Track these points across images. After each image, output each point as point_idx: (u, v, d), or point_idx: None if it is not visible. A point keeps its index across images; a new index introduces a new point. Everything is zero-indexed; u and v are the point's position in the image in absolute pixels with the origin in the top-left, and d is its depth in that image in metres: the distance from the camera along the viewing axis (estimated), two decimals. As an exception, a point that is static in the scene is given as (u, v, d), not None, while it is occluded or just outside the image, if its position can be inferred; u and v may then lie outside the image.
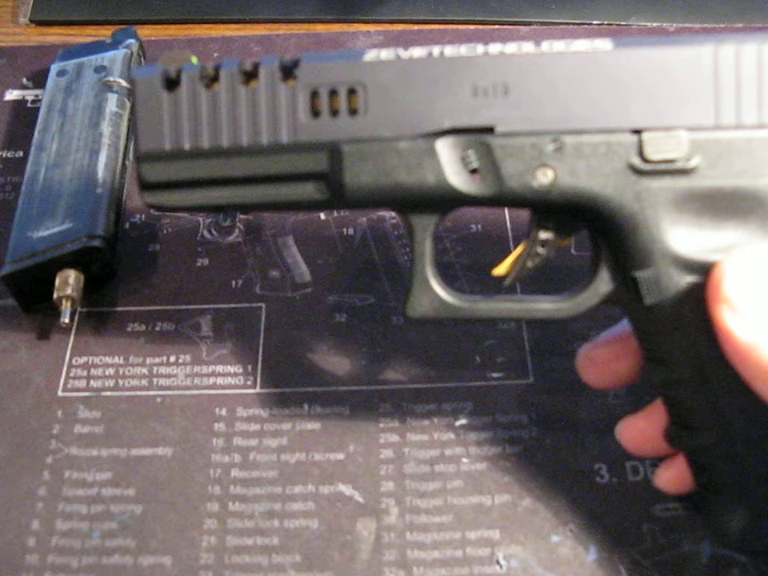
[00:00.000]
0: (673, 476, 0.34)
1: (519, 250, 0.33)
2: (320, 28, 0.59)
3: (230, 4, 0.60)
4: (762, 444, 0.31)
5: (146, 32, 0.55)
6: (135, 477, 0.38)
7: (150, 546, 0.36)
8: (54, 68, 0.51)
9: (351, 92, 0.30)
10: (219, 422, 0.40)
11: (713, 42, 0.29)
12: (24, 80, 0.55)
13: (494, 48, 0.30)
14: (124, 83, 0.50)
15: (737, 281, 0.27)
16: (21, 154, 0.51)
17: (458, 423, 0.40)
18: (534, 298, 0.33)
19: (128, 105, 0.50)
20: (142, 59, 0.54)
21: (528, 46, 0.30)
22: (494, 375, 0.41)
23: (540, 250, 0.32)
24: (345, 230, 0.47)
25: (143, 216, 0.48)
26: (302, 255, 0.46)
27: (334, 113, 0.30)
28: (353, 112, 0.30)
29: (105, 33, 0.55)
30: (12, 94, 0.55)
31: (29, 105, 0.54)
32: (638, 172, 0.29)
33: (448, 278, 0.36)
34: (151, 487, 0.38)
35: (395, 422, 0.40)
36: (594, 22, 0.58)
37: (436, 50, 0.30)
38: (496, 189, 0.30)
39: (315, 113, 0.30)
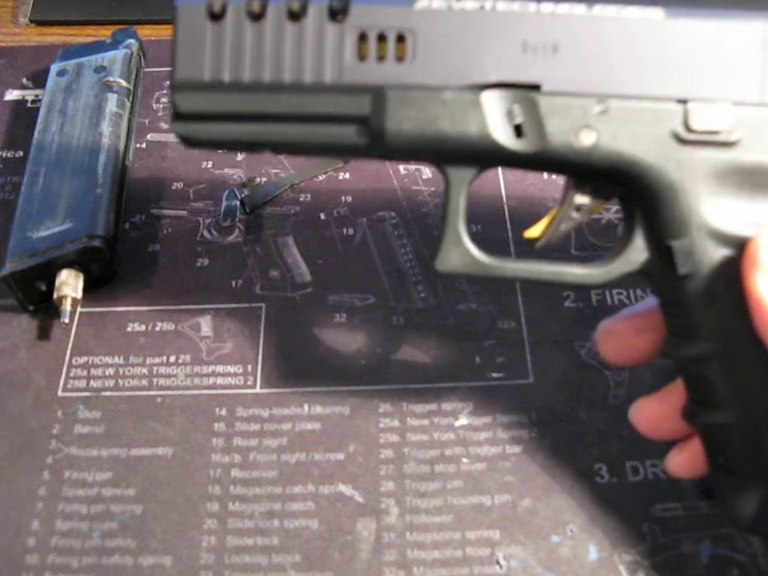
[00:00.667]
0: (685, 460, 0.34)
1: (553, 212, 0.33)
2: (320, 28, 0.59)
3: (230, 4, 0.60)
4: None
5: (146, 32, 0.55)
6: (135, 477, 0.38)
7: (150, 546, 0.36)
8: (54, 68, 0.51)
9: (400, 38, 0.30)
10: (219, 422, 0.40)
11: (765, 17, 0.29)
12: (24, 80, 0.55)
13: (546, 7, 0.30)
14: (124, 83, 0.50)
15: None
16: (21, 153, 0.51)
17: (457, 423, 0.40)
18: (565, 264, 0.33)
19: (128, 105, 0.50)
20: (142, 59, 0.54)
21: (580, 8, 0.30)
22: (494, 375, 0.41)
23: (575, 214, 0.32)
24: (345, 230, 0.47)
25: (143, 216, 0.48)
26: (301, 255, 0.46)
27: (381, 57, 0.30)
28: (400, 58, 0.30)
29: (105, 33, 0.55)
30: (12, 94, 0.55)
31: (29, 105, 0.54)
32: (682, 141, 0.29)
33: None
34: (151, 487, 0.38)
35: (395, 421, 0.40)
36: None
37: (488, 3, 0.30)
38: (538, 146, 0.30)
39: (362, 55, 0.30)
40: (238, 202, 0.48)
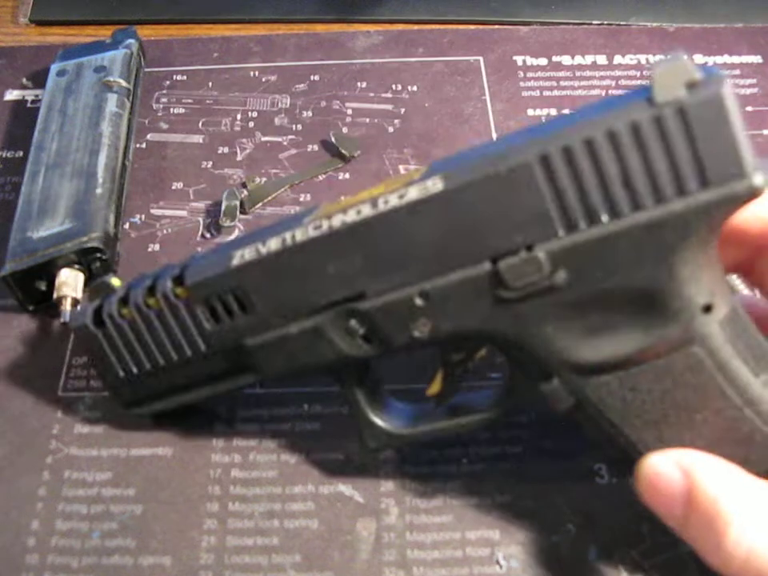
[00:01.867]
0: None
1: (441, 372, 0.34)
2: (320, 28, 0.59)
3: (230, 4, 0.60)
4: None
5: (146, 32, 0.55)
6: (135, 477, 0.38)
7: (150, 546, 0.36)
8: (54, 68, 0.51)
9: (236, 295, 0.33)
10: (219, 422, 0.40)
11: (538, 147, 0.27)
12: (24, 80, 0.55)
13: (337, 221, 0.30)
14: (124, 83, 0.50)
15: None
16: (21, 153, 0.51)
17: (457, 423, 0.40)
18: (465, 410, 0.35)
19: (128, 105, 0.50)
20: (142, 59, 0.54)
21: (366, 209, 0.30)
22: (494, 375, 0.41)
23: (458, 370, 0.34)
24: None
25: (143, 216, 0.48)
26: (301, 255, 0.46)
27: (230, 313, 0.33)
28: (243, 309, 0.33)
29: (105, 33, 0.55)
30: (12, 94, 0.55)
31: (29, 105, 0.54)
32: (507, 300, 0.29)
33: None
34: (151, 487, 0.38)
35: (395, 422, 0.40)
36: (594, 22, 0.58)
37: (288, 237, 0.31)
38: (386, 347, 0.32)
39: (216, 319, 0.34)
40: (237, 202, 0.48)
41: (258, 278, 0.32)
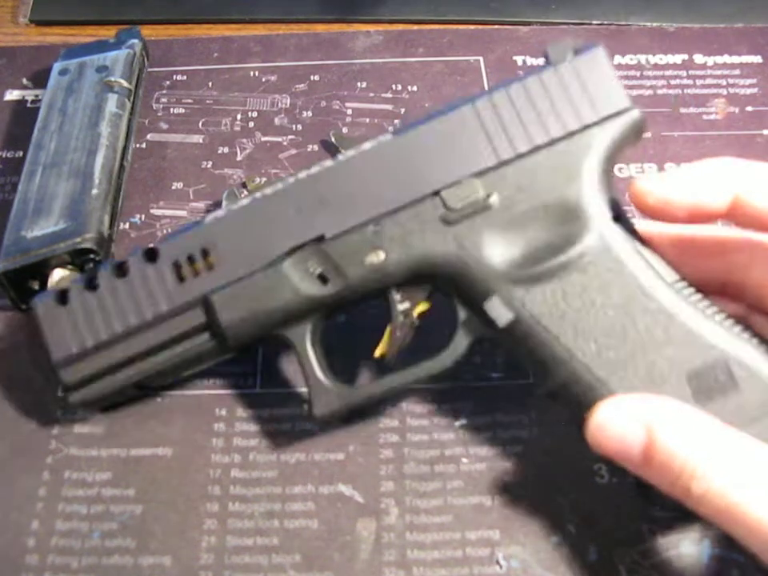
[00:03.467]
0: None
1: (388, 328, 0.36)
2: (320, 28, 0.59)
3: (230, 4, 0.60)
4: None
5: (146, 32, 0.55)
6: (135, 477, 0.38)
7: (150, 546, 0.36)
8: (57, 67, 0.51)
9: (205, 252, 0.36)
10: (219, 422, 0.40)
11: (470, 101, 0.35)
12: (24, 80, 0.55)
13: (302, 173, 0.36)
14: (125, 83, 0.50)
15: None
16: (20, 153, 0.51)
17: (457, 423, 0.40)
18: (416, 363, 0.36)
19: (128, 105, 0.50)
20: (145, 59, 0.54)
21: (328, 162, 0.35)
22: (494, 375, 0.41)
23: (404, 320, 0.36)
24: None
25: (143, 216, 0.48)
26: (301, 255, 0.46)
27: (196, 274, 0.36)
28: (210, 267, 0.36)
29: (105, 33, 0.55)
30: (12, 94, 0.55)
31: (29, 105, 0.54)
32: (450, 221, 0.34)
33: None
34: (151, 487, 0.38)
35: (395, 421, 0.40)
36: (594, 22, 0.58)
37: (258, 194, 0.36)
38: (343, 283, 0.35)
39: (181, 278, 0.36)
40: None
41: (226, 232, 0.36)
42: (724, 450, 0.28)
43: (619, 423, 0.29)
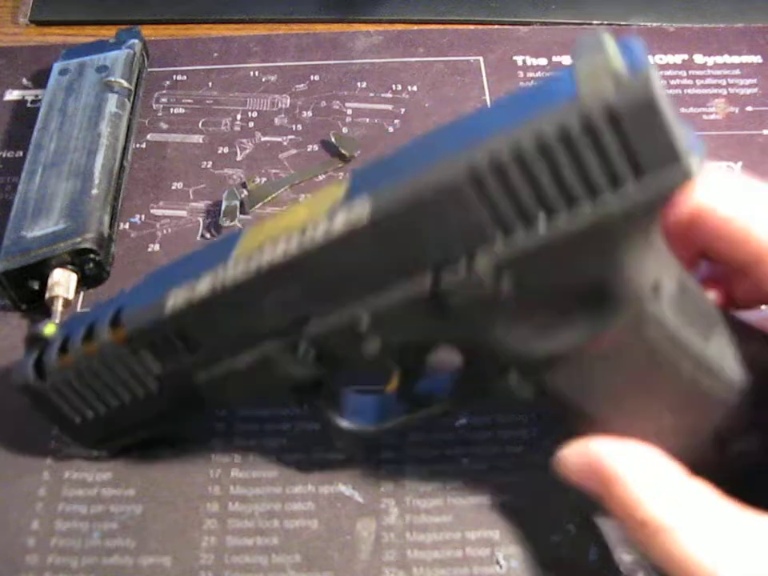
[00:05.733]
0: None
1: (397, 372, 0.34)
2: (320, 28, 0.59)
3: (230, 4, 0.60)
4: None
5: (146, 32, 0.55)
6: (135, 477, 0.38)
7: (150, 546, 0.36)
8: (57, 66, 0.51)
9: (181, 337, 0.32)
10: (219, 422, 0.40)
11: (466, 161, 0.25)
12: (24, 80, 0.55)
13: (266, 257, 0.29)
14: (125, 83, 0.50)
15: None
16: (21, 153, 0.51)
17: (457, 423, 0.40)
18: (427, 399, 0.34)
19: (128, 105, 0.50)
20: (145, 59, 0.54)
21: (294, 242, 0.28)
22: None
23: (414, 366, 0.33)
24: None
25: (143, 216, 0.48)
26: (301, 255, 0.46)
27: (175, 354, 0.32)
28: (192, 349, 0.32)
29: (105, 33, 0.55)
30: (12, 94, 0.55)
31: (29, 105, 0.54)
32: (454, 313, 0.28)
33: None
34: (151, 487, 0.38)
35: (395, 421, 0.40)
36: (594, 22, 0.58)
37: (218, 279, 0.30)
38: (339, 366, 0.31)
39: (162, 360, 0.33)
40: (237, 202, 0.48)
41: (195, 320, 0.31)
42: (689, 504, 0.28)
43: (577, 466, 0.31)
